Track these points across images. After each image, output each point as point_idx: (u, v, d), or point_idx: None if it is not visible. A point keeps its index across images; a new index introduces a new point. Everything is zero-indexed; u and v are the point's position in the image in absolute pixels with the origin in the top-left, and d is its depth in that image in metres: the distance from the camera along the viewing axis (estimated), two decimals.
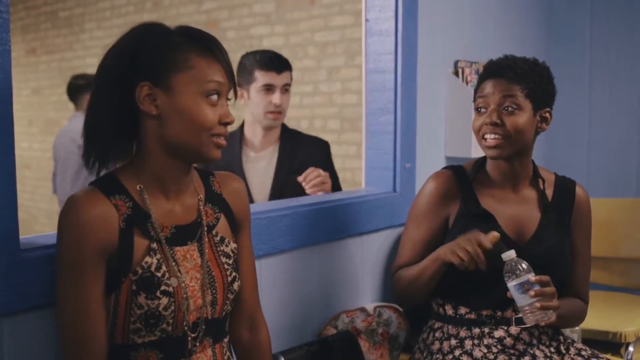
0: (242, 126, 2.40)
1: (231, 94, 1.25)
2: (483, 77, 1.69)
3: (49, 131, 6.91)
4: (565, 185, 1.77)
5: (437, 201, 1.74)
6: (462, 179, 1.74)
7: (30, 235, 1.36)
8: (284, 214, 1.79)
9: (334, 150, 4.45)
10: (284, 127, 2.42)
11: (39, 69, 6.93)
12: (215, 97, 1.20)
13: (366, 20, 2.27)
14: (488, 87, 1.65)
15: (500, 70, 1.65)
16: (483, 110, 1.66)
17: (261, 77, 2.27)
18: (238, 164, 2.32)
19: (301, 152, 2.38)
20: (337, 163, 4.14)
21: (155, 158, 1.21)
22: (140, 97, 1.17)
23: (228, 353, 1.33)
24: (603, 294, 2.69)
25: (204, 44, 1.20)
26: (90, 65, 6.29)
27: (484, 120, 1.64)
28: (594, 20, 3.16)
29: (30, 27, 6.94)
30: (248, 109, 2.35)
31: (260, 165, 2.35)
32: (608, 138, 3.13)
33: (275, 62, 2.28)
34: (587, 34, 3.18)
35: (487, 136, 1.64)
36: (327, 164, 2.41)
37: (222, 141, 1.22)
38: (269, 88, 2.27)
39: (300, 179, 2.17)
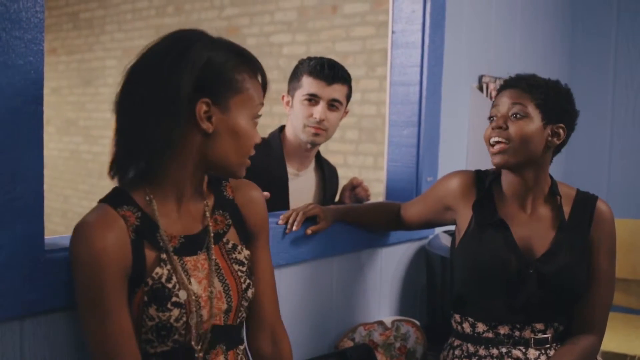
0: (281, 138, 2.12)
1: None
2: (500, 90, 1.70)
3: (65, 131, 6.94)
4: (584, 201, 1.71)
5: (450, 199, 1.78)
6: (482, 185, 1.75)
7: (55, 236, 1.35)
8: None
9: (352, 160, 4.46)
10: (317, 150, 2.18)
11: (58, 68, 6.97)
12: (257, 120, 1.24)
13: (392, 32, 2.25)
14: (502, 97, 1.66)
15: (515, 82, 1.66)
16: (494, 118, 1.66)
17: (307, 85, 2.00)
18: (285, 179, 2.06)
19: (330, 180, 2.21)
20: (354, 174, 4.14)
21: (184, 170, 1.21)
22: (200, 113, 1.16)
23: None
24: (621, 316, 2.66)
25: (253, 66, 1.23)
26: (109, 67, 6.33)
27: (491, 126, 1.65)
28: (618, 40, 3.14)
29: (51, 27, 6.99)
30: (289, 118, 2.10)
31: (302, 187, 2.12)
32: (629, 158, 3.10)
33: (326, 71, 1.98)
34: (612, 53, 3.16)
35: (493, 140, 1.64)
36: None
37: (249, 161, 1.26)
38: (312, 99, 2.00)
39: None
